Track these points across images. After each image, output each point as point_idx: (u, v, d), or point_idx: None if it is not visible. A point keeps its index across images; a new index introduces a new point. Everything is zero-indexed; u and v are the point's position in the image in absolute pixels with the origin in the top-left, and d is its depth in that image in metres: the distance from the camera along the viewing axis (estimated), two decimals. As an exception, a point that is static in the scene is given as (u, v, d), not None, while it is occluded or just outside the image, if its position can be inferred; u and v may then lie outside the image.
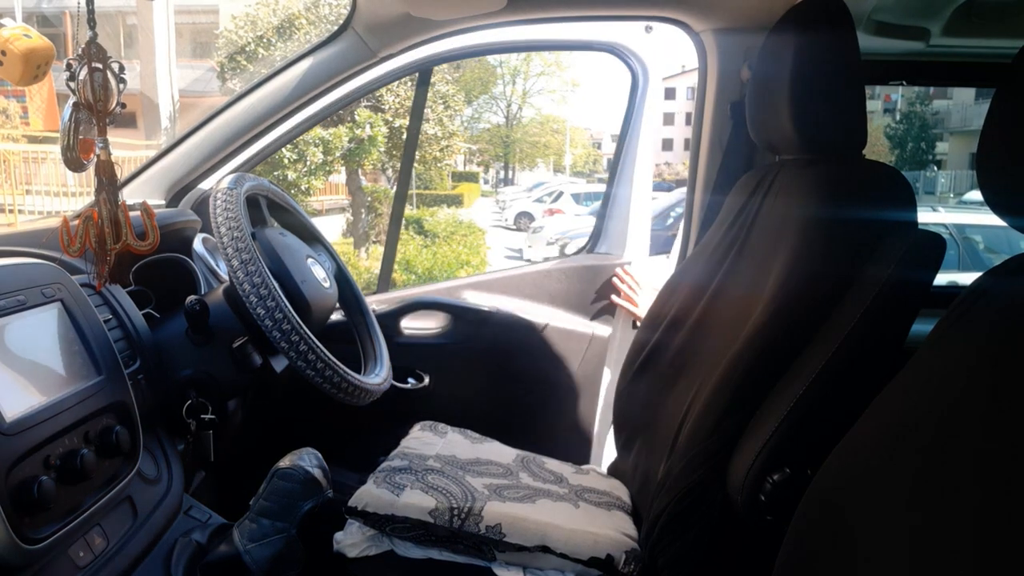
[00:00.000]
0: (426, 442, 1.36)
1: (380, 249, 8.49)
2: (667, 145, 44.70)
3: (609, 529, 1.13)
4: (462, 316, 1.85)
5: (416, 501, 1.10)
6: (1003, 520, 0.57)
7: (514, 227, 15.98)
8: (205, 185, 1.71)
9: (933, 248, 0.94)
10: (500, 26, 1.70)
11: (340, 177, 10.62)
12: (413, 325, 1.86)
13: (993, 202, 0.70)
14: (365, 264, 8.30)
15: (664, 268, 1.81)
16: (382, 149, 9.12)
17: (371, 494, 1.12)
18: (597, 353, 1.85)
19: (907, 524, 0.65)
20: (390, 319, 1.83)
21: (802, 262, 1.05)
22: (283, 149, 7.88)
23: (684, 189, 1.81)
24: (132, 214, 1.02)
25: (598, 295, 1.88)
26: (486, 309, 1.85)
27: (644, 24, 1.77)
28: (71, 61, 0.92)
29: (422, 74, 1.92)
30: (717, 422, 1.06)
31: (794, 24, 1.11)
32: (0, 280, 0.88)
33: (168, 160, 1.65)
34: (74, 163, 0.97)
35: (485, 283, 1.93)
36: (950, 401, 0.68)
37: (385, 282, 2.12)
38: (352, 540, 1.10)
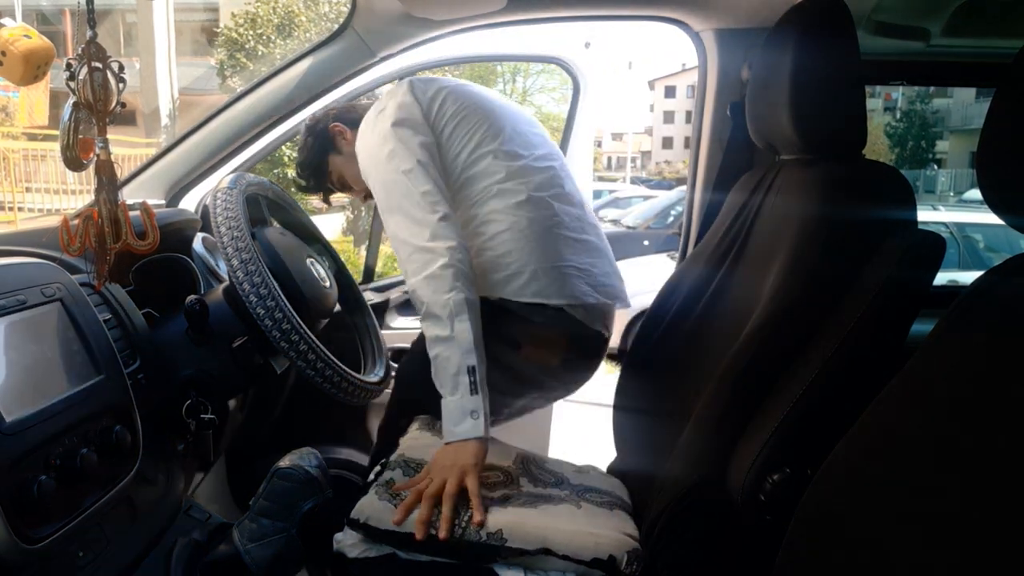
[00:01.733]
0: (426, 443, 1.35)
1: (380, 248, 8.47)
2: (667, 143, 44.62)
3: (610, 529, 1.13)
4: None
5: (418, 515, 1.10)
6: (1004, 519, 0.57)
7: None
8: (205, 185, 1.71)
9: (933, 248, 0.94)
10: (499, 26, 1.70)
11: (340, 176, 10.60)
12: (403, 314, 1.99)
13: (993, 201, 0.70)
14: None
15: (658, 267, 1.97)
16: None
17: (373, 507, 1.10)
18: None
19: (907, 523, 0.65)
20: (379, 312, 1.93)
21: (802, 262, 1.05)
22: (283, 147, 7.88)
23: (684, 187, 1.82)
24: (132, 213, 1.02)
25: None
26: None
27: (584, 41, 2.12)
28: (71, 60, 0.92)
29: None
30: (717, 422, 1.06)
31: (794, 24, 1.11)
32: (0, 279, 0.88)
33: (168, 159, 1.65)
34: (74, 163, 0.97)
35: None
36: (950, 401, 0.68)
37: (370, 273, 2.20)
38: (352, 541, 1.10)
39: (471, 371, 1.17)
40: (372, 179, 1.33)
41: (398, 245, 1.27)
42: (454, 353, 1.18)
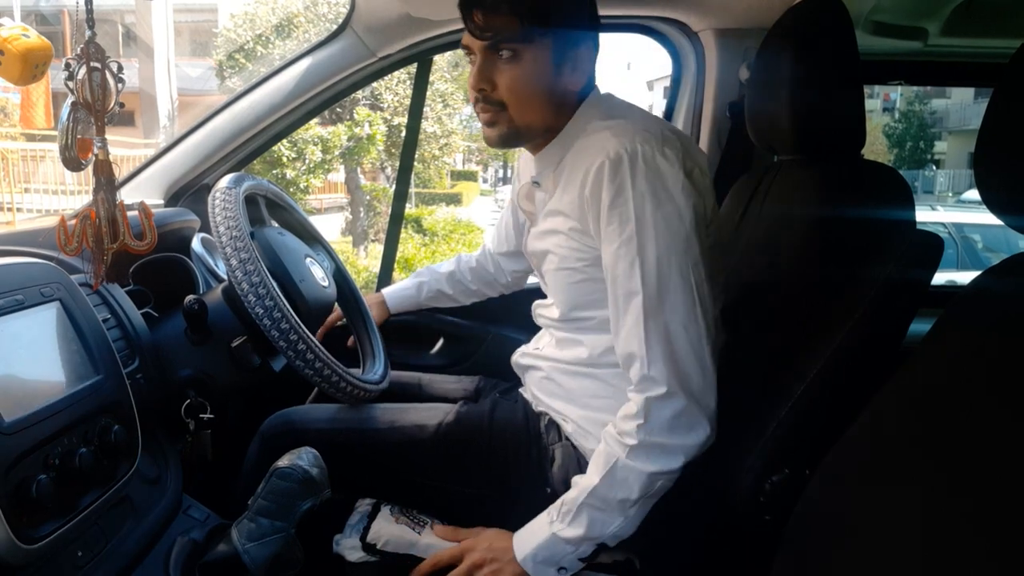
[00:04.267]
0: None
1: (379, 248, 8.48)
2: (665, 143, 44.60)
3: None
4: (455, 335, 1.80)
5: (438, 541, 1.09)
6: (1002, 518, 0.57)
7: (513, 226, 15.92)
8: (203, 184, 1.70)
9: (931, 248, 0.94)
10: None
11: (339, 175, 10.62)
12: (403, 343, 1.77)
13: (991, 201, 0.70)
14: (364, 263, 8.30)
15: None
16: (381, 148, 9.12)
17: (390, 532, 1.09)
18: None
19: (905, 524, 0.65)
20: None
21: (801, 262, 1.06)
22: (282, 147, 7.87)
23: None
24: (130, 214, 1.02)
25: None
26: (481, 330, 1.78)
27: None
28: (70, 60, 0.92)
29: (421, 64, 1.84)
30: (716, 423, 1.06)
31: (793, 24, 1.11)
32: (-2, 279, 0.88)
33: (167, 160, 1.65)
34: (72, 163, 0.97)
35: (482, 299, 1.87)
36: (948, 400, 0.68)
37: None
38: (352, 543, 1.09)
39: (600, 548, 1.02)
40: (635, 240, 0.97)
41: (636, 340, 0.98)
42: (610, 525, 0.99)
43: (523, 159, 1.28)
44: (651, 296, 0.97)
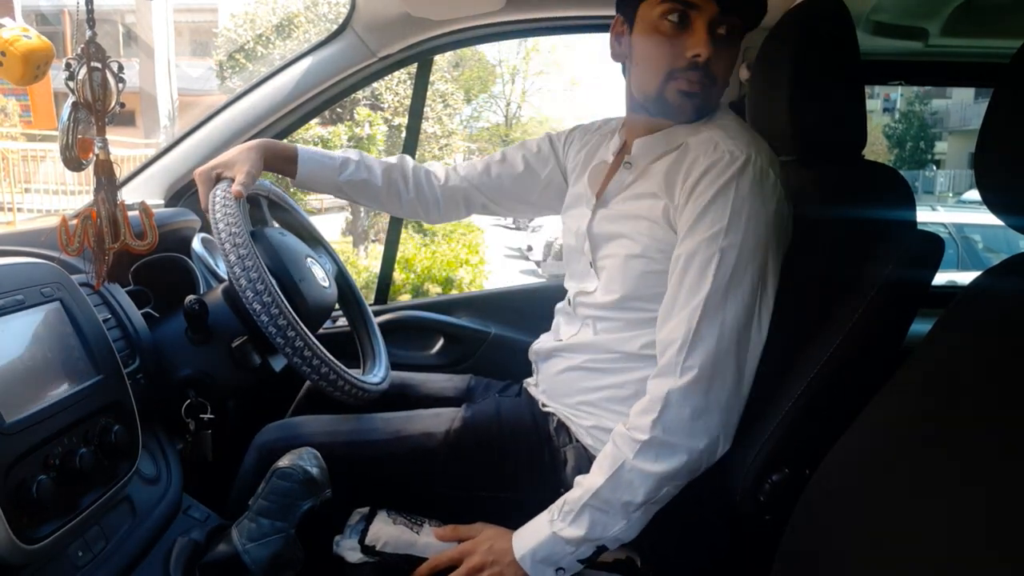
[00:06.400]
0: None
1: (379, 248, 8.49)
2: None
3: None
4: (455, 336, 1.81)
5: (437, 540, 1.08)
6: (1000, 518, 0.57)
7: (513, 226, 15.91)
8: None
9: (932, 248, 0.94)
10: (498, 27, 1.70)
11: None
12: (402, 343, 1.80)
13: (991, 202, 0.70)
14: (364, 263, 8.30)
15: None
16: (381, 148, 9.12)
17: (389, 533, 1.09)
18: None
19: (904, 523, 0.65)
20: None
21: (801, 262, 1.05)
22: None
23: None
24: (131, 214, 1.02)
25: None
26: (481, 330, 1.80)
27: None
28: (70, 60, 0.92)
29: (421, 64, 1.85)
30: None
31: (794, 24, 1.11)
32: (-1, 279, 0.88)
33: (167, 160, 1.65)
34: (73, 163, 0.97)
35: (481, 299, 1.91)
36: (948, 400, 0.68)
37: (384, 292, 1.98)
38: (351, 545, 1.09)
39: (600, 550, 1.02)
40: (723, 239, 0.98)
41: (688, 343, 0.97)
42: (611, 528, 1.00)
43: (580, 133, 1.32)
44: (718, 293, 0.97)
